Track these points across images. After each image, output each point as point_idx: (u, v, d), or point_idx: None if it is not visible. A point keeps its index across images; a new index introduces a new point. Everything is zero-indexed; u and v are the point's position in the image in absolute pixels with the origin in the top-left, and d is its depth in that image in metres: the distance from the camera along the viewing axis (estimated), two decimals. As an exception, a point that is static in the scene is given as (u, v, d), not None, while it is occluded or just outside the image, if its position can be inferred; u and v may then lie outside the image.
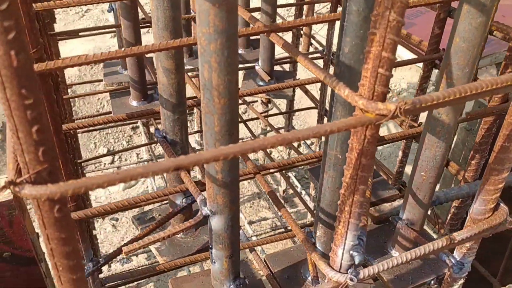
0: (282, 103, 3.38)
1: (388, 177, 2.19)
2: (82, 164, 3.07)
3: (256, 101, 3.32)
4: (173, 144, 1.25)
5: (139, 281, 2.72)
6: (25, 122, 0.50)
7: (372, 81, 0.71)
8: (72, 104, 4.75)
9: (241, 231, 1.45)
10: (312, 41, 2.59)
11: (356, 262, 0.91)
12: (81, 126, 1.14)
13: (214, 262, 1.11)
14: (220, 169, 0.93)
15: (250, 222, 3.25)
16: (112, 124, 2.00)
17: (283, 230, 2.76)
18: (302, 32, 2.58)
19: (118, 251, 1.18)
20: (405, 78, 4.98)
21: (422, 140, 1.18)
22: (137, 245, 0.94)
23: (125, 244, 1.11)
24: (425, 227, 1.49)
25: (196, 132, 3.16)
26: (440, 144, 1.14)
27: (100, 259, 1.13)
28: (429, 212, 1.40)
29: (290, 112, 2.94)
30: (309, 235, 1.23)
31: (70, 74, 4.53)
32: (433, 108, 0.72)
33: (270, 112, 3.27)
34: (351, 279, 0.91)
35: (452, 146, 2.29)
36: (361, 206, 0.86)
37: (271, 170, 1.17)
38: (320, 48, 2.46)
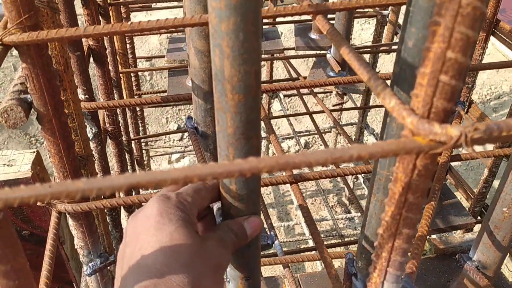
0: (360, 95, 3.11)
1: (468, 196, 1.88)
2: (147, 140, 3.05)
3: (331, 92, 3.09)
4: (204, 137, 1.09)
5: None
6: None
7: (430, 92, 0.49)
8: (149, 77, 4.83)
9: (276, 242, 1.28)
10: (399, 30, 2.30)
11: (392, 321, 0.70)
12: (101, 106, 1.03)
13: (229, 281, 0.95)
14: (235, 178, 0.76)
15: (309, 221, 3.04)
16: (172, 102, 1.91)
17: (337, 236, 2.54)
18: (387, 19, 2.29)
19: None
20: (509, 80, 4.41)
21: (509, 167, 0.92)
22: (133, 254, 0.81)
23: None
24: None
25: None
26: (532, 176, 0.87)
27: (111, 257, 1.02)
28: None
29: (364, 108, 2.68)
30: (349, 263, 1.03)
31: (151, 47, 4.57)
32: (519, 140, 0.49)
33: (345, 105, 3.02)
34: None
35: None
36: (403, 254, 0.65)
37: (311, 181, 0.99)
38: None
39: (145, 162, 3.17)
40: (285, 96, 3.42)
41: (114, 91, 1.88)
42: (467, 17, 0.44)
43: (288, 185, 3.30)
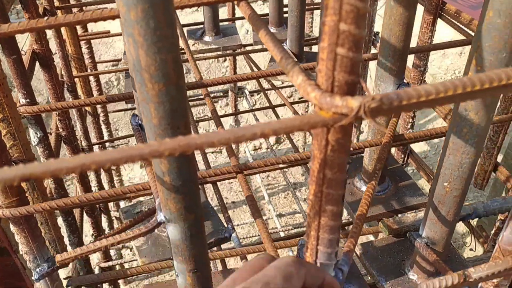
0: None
1: (430, 178, 1.91)
2: (115, 144, 3.01)
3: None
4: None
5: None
6: None
7: (330, 65, 0.50)
8: (117, 82, 4.77)
9: (233, 235, 1.28)
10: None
11: (330, 300, 0.71)
12: (42, 110, 1.01)
13: (177, 275, 0.95)
14: (167, 170, 0.76)
15: (280, 215, 3.06)
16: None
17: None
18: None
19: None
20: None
21: (445, 142, 0.93)
22: (72, 254, 0.79)
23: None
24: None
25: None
26: (467, 149, 0.89)
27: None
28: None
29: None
30: (301, 249, 1.03)
31: (117, 52, 4.52)
32: (419, 108, 0.49)
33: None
34: (323, 321, 0.71)
35: (506, 146, 1.96)
36: (332, 231, 0.65)
37: (256, 170, 0.99)
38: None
39: (114, 167, 3.14)
40: (250, 92, 3.43)
41: (69, 96, 1.85)
42: (353, -13, 0.45)
43: (259, 180, 3.28)
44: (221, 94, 3.61)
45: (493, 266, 0.76)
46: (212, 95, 4.03)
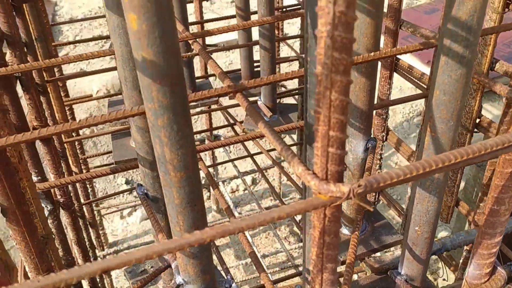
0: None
1: (400, 213, 2.09)
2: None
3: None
4: (154, 201, 1.21)
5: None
6: None
7: (324, 160, 0.65)
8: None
9: (233, 285, 1.39)
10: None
11: None
12: (53, 185, 1.11)
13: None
14: (186, 240, 0.89)
15: (264, 256, 3.17)
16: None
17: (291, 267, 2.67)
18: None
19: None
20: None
21: (412, 192, 1.10)
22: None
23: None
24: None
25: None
26: (431, 198, 1.06)
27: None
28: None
29: (300, 144, 2.87)
30: (298, 294, 1.16)
31: (90, 105, 4.62)
32: (394, 185, 0.65)
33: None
34: None
35: (464, 183, 2.18)
36: (332, 284, 0.79)
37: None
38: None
39: (98, 222, 3.19)
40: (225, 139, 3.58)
41: (61, 162, 1.95)
42: (338, 107, 0.61)
43: (240, 223, 3.38)
44: (198, 143, 3.75)
45: (462, 298, 0.91)
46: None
